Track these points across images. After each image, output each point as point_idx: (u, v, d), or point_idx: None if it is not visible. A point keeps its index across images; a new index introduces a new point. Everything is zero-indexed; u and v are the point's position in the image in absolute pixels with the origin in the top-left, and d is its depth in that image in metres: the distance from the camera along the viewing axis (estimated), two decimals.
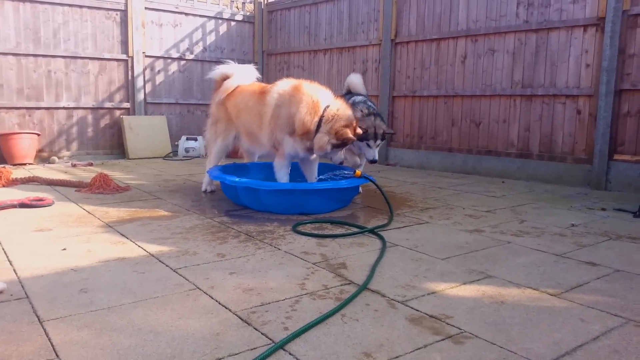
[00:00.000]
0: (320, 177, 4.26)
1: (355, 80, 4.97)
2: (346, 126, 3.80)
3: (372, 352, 1.75)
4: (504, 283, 2.44)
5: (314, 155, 4.11)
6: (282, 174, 4.14)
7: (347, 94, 4.85)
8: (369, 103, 4.54)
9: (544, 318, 2.05)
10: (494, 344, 1.82)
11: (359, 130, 3.98)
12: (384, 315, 2.05)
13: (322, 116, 3.83)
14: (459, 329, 1.94)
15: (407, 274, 2.55)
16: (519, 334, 1.90)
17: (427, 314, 2.06)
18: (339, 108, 3.88)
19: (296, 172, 4.42)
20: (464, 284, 2.42)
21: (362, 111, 4.28)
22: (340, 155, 4.01)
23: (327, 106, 3.87)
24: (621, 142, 5.08)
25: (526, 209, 4.17)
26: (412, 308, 2.12)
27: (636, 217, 3.88)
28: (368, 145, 4.22)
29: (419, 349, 1.78)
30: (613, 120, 5.07)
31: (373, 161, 4.25)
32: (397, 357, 1.72)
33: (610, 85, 5.03)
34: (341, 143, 3.83)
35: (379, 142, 4.24)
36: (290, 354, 1.73)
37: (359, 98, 4.60)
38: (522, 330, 1.93)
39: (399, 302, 2.19)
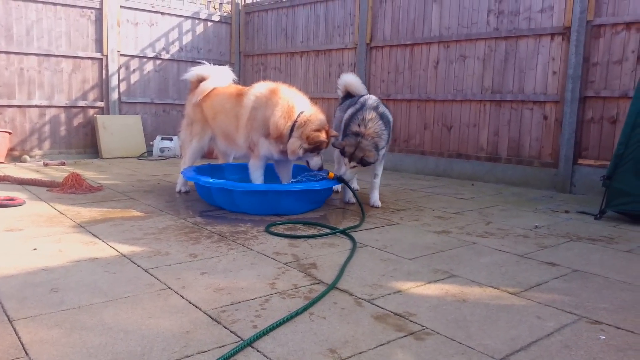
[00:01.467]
0: (295, 178, 4.33)
1: (353, 80, 4.68)
2: (318, 130, 3.87)
3: (337, 348, 1.82)
4: (467, 282, 2.54)
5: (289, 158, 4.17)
6: (257, 175, 4.19)
7: (348, 96, 4.63)
8: (380, 110, 4.12)
9: (503, 315, 2.15)
10: (454, 340, 1.90)
11: (334, 133, 4.05)
12: (350, 313, 2.12)
13: (295, 121, 3.90)
14: (421, 325, 2.02)
15: (375, 274, 2.63)
16: (478, 330, 2.00)
17: (392, 312, 2.14)
18: (312, 114, 3.95)
19: (272, 173, 4.47)
20: (429, 283, 2.52)
21: (358, 125, 3.99)
22: (317, 160, 4.01)
23: (302, 112, 3.95)
24: (585, 147, 5.27)
25: (493, 211, 4.31)
26: (377, 306, 2.20)
27: (597, 220, 4.05)
28: (344, 162, 4.03)
29: (382, 344, 1.86)
30: (578, 126, 5.26)
31: (340, 178, 4.04)
32: (361, 352, 1.79)
33: (576, 92, 5.22)
34: (314, 147, 3.89)
35: (353, 163, 3.95)
36: (258, 351, 1.78)
37: (371, 101, 4.19)
38: (481, 327, 2.03)
39: (365, 300, 2.27)
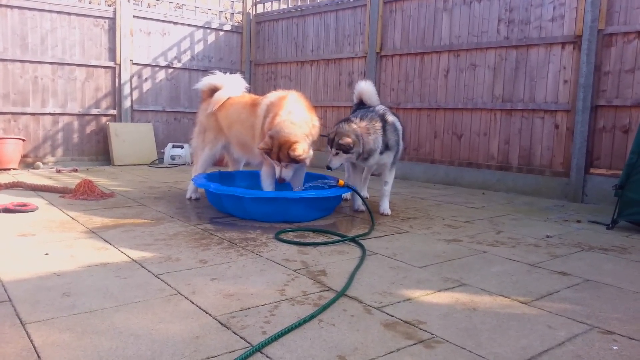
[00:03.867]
0: (305, 185, 4.34)
1: (367, 88, 4.67)
2: (270, 136, 3.84)
3: (347, 355, 1.81)
4: (477, 291, 2.52)
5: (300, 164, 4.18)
6: (268, 183, 4.21)
7: (360, 105, 4.62)
8: (387, 118, 4.18)
9: (513, 324, 2.13)
10: (464, 349, 1.89)
11: (296, 149, 3.76)
12: (359, 321, 2.12)
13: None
14: (431, 334, 2.01)
15: (385, 281, 2.62)
16: (488, 339, 1.98)
17: (402, 320, 2.14)
18: (281, 120, 3.88)
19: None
20: (439, 291, 2.50)
21: (354, 117, 4.07)
22: (277, 171, 3.91)
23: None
24: (597, 156, 5.23)
25: (504, 220, 4.28)
26: (387, 314, 2.20)
27: (609, 229, 4.01)
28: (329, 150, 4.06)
29: (392, 352, 1.85)
30: (589, 135, 5.23)
31: (327, 167, 4.06)
32: None
33: (587, 101, 5.19)
34: (264, 151, 3.90)
35: (334, 150, 3.98)
36: (267, 357, 1.79)
37: (379, 108, 4.30)
38: (492, 336, 2.01)
39: (375, 308, 2.26)
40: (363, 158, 4.09)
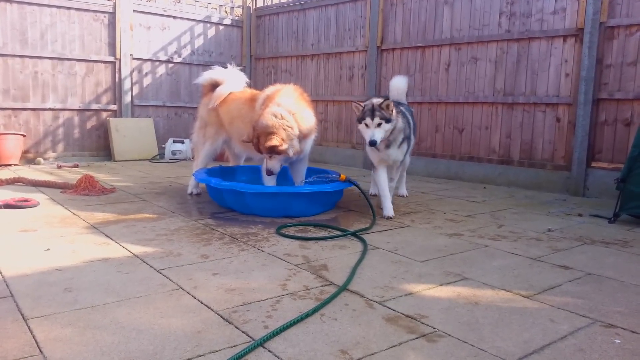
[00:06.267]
0: (306, 180, 4.33)
1: (396, 84, 4.63)
2: (253, 127, 3.89)
3: (349, 349, 1.81)
4: (479, 285, 2.52)
5: (300, 158, 4.17)
6: (269, 178, 4.19)
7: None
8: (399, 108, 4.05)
9: (515, 318, 2.13)
10: (466, 343, 1.89)
11: (271, 140, 3.73)
12: (361, 315, 2.12)
13: None
14: (433, 328, 2.01)
15: (386, 276, 2.62)
16: (490, 333, 1.98)
17: (403, 314, 2.14)
18: (265, 112, 3.88)
19: (284, 175, 4.47)
20: (441, 285, 2.50)
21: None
22: (264, 163, 3.98)
23: None
24: (599, 149, 5.22)
25: (505, 214, 4.28)
26: (389, 308, 2.19)
27: (611, 223, 4.00)
28: (366, 125, 3.77)
29: (394, 346, 1.85)
30: (591, 128, 5.21)
31: (371, 142, 3.72)
32: (372, 354, 1.79)
33: (589, 94, 5.17)
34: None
35: (377, 120, 3.70)
36: (269, 351, 1.79)
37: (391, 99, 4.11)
38: (494, 330, 2.01)
39: (376, 302, 2.26)
40: (388, 141, 3.89)
